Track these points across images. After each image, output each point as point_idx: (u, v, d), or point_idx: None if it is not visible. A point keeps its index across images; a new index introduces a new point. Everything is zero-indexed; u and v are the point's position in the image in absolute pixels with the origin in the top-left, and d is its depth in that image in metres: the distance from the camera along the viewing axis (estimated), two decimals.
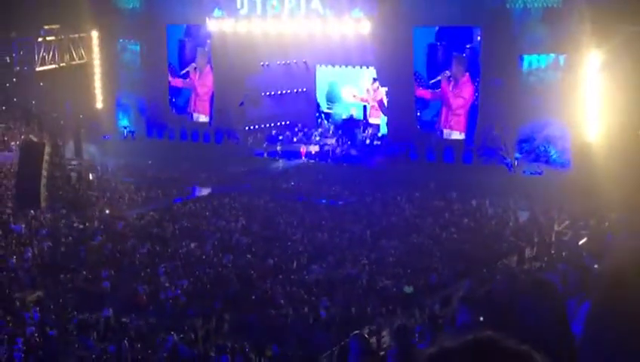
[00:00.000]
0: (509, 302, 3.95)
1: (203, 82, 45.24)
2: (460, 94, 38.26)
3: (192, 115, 45.83)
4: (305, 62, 44.47)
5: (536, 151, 35.84)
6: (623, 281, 1.70)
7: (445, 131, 38.79)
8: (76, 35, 46.05)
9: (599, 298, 1.82)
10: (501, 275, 21.88)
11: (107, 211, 32.75)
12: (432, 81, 38.55)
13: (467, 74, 37.97)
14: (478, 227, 29.58)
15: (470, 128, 38.09)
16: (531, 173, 35.33)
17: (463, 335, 1.57)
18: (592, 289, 4.46)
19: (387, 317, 19.96)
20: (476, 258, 25.45)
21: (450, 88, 38.29)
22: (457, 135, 38.56)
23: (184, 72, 45.45)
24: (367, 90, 43.78)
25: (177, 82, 45.86)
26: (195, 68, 45.23)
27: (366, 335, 7.89)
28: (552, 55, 35.64)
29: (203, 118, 45.57)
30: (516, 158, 36.04)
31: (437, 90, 38.65)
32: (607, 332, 1.69)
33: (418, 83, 39.05)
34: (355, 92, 44.30)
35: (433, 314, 17.21)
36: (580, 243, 24.65)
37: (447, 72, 38.26)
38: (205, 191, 37.00)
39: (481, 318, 6.87)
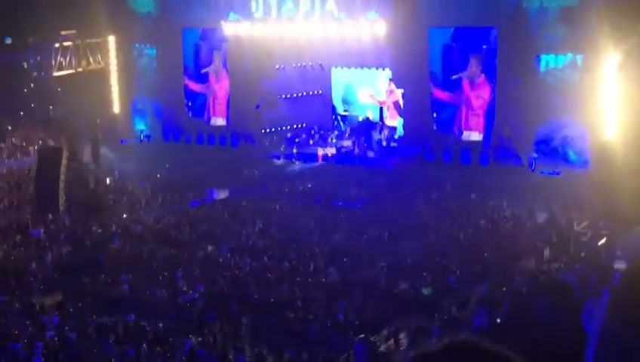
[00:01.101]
0: (526, 304, 3.93)
1: (220, 85, 45.39)
2: (480, 95, 38.13)
3: (209, 119, 45.97)
4: (320, 65, 44.48)
5: (553, 151, 35.68)
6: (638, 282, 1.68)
7: (465, 133, 38.64)
8: (93, 40, 46.33)
9: (617, 296, 1.80)
10: (519, 277, 21.82)
11: (125, 215, 32.87)
12: (454, 76, 38.34)
13: (483, 75, 37.85)
14: (496, 228, 29.46)
15: (488, 129, 37.96)
16: (549, 174, 35.17)
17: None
18: (611, 289, 4.42)
19: (405, 320, 19.90)
20: (494, 259, 25.36)
21: (470, 89, 38.18)
22: (476, 136, 38.41)
23: (204, 71, 45.57)
24: (385, 93, 43.70)
25: (194, 86, 46.00)
26: (213, 71, 45.38)
27: (371, 339, 7.88)
28: (570, 55, 35.45)
29: (220, 122, 45.70)
30: (533, 158, 35.89)
31: (455, 92, 38.55)
32: (624, 329, 1.67)
33: (435, 84, 38.97)
34: (372, 93, 44.22)
35: (451, 316, 17.16)
36: (600, 243, 24.52)
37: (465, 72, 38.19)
38: (222, 195, 37.03)
39: (498, 320, 6.85)
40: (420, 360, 1.48)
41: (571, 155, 35.40)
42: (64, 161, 33.32)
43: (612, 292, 1.88)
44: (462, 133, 38.73)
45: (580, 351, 2.91)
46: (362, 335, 7.71)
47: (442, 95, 39.06)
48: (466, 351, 1.48)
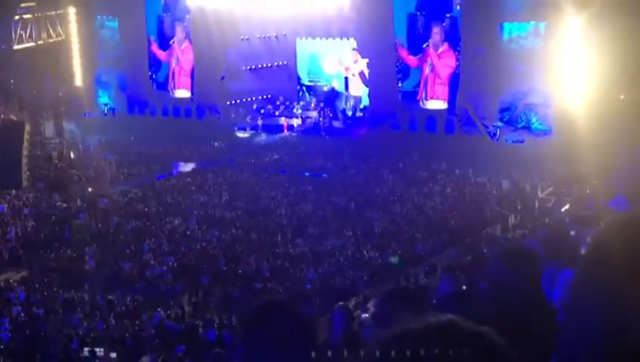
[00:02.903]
0: (489, 271, 3.99)
1: (184, 57, 44.96)
2: (445, 63, 38.21)
3: (173, 90, 45.52)
4: (285, 35, 44.21)
5: (517, 119, 35.92)
6: (607, 252, 1.70)
7: (430, 101, 38.70)
8: (53, 12, 45.55)
9: (582, 268, 1.82)
10: (485, 244, 22.06)
11: (90, 189, 32.61)
12: (425, 45, 38.40)
13: (446, 43, 37.94)
14: (462, 196, 29.72)
15: (452, 97, 38.08)
16: (513, 142, 35.43)
17: (428, 316, 1.57)
18: (571, 256, 4.49)
19: (373, 288, 20.05)
20: (460, 227, 25.63)
21: (435, 57, 38.23)
22: (441, 104, 38.51)
23: (171, 42, 45.13)
24: (350, 62, 43.54)
25: (160, 54, 45.48)
26: (176, 42, 44.91)
27: (350, 307, 7.93)
28: (533, 23, 35.60)
29: (185, 93, 45.29)
30: (497, 127, 36.11)
31: (420, 61, 38.58)
32: (589, 302, 1.69)
33: (400, 53, 38.94)
34: (340, 60, 43.89)
35: (418, 283, 17.32)
36: (563, 209, 24.82)
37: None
38: (189, 167, 36.90)
39: (464, 287, 6.94)
40: (402, 339, 1.50)
41: (535, 123, 35.66)
42: (27, 136, 32.86)
43: (576, 265, 1.91)
44: (427, 101, 38.80)
45: (541, 319, 2.96)
46: (341, 303, 7.73)
47: (408, 62, 39.06)
48: (450, 331, 1.50)
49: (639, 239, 1.65)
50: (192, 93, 44.93)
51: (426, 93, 38.79)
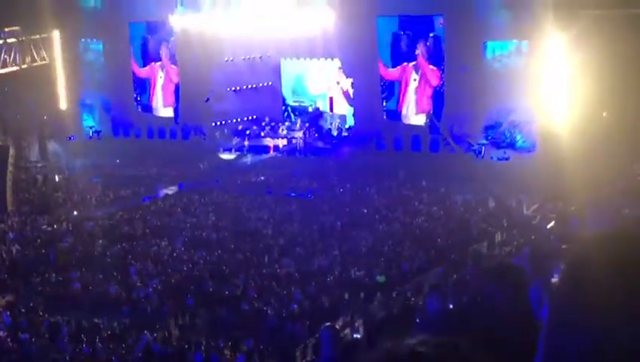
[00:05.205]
0: (476, 289, 4.00)
1: (169, 78, 44.99)
2: (429, 82, 38.40)
3: (155, 110, 45.48)
4: (269, 56, 44.32)
5: (502, 136, 36.11)
6: (584, 268, 1.72)
7: (414, 117, 38.85)
8: (37, 36, 45.48)
9: (559, 284, 1.84)
10: (471, 261, 22.07)
11: (75, 212, 32.47)
12: (411, 64, 38.62)
13: (429, 62, 38.16)
14: (448, 214, 29.79)
15: (436, 115, 38.22)
16: (499, 159, 35.64)
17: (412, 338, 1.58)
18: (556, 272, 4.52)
19: (360, 307, 20.04)
20: (447, 245, 25.67)
21: (419, 76, 38.45)
22: (422, 118, 38.67)
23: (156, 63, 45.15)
24: (334, 82, 43.66)
25: (142, 73, 45.47)
26: (161, 64, 44.94)
27: (337, 327, 7.95)
28: (515, 41, 35.90)
29: (169, 113, 45.25)
30: (482, 145, 36.32)
31: (405, 79, 38.76)
32: (567, 318, 1.71)
33: (384, 71, 39.14)
34: (324, 81, 44.05)
35: (405, 303, 17.32)
36: (548, 226, 24.90)
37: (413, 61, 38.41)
38: (174, 189, 36.83)
39: (451, 306, 6.95)
40: None
41: (519, 140, 35.87)
42: (11, 160, 32.80)
43: (557, 283, 1.93)
44: (410, 118, 38.97)
45: (529, 335, 2.98)
46: (328, 324, 7.71)
47: (391, 78, 39.24)
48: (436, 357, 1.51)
49: (615, 256, 1.67)
50: (177, 115, 44.94)
51: (409, 110, 38.97)
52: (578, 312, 1.68)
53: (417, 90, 38.76)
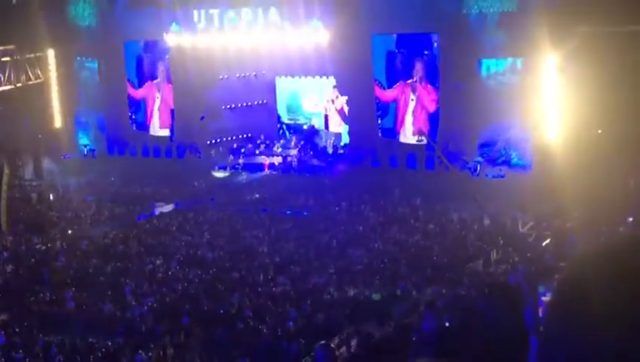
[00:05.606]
0: (472, 307, 3.96)
1: (164, 97, 45.04)
2: (425, 100, 38.45)
3: (151, 128, 45.48)
4: (264, 74, 44.41)
5: (497, 154, 36.16)
6: (576, 285, 1.70)
7: (410, 136, 38.88)
8: (32, 55, 45.53)
9: (553, 301, 1.81)
10: (467, 279, 22.04)
11: (70, 231, 32.37)
12: (409, 81, 38.68)
13: (426, 80, 38.25)
14: (444, 232, 29.75)
15: (432, 134, 38.27)
16: (494, 177, 35.66)
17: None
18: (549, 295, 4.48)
19: (356, 326, 19.95)
20: (443, 263, 25.61)
21: (415, 94, 38.50)
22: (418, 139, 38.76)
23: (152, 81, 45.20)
24: (329, 100, 43.73)
25: (137, 93, 45.53)
26: (156, 83, 45.01)
27: (332, 345, 7.89)
28: (510, 59, 36.01)
29: (164, 132, 45.25)
30: (477, 162, 36.37)
31: (401, 97, 38.80)
32: (559, 335, 1.68)
33: (380, 90, 39.21)
34: (317, 101, 44.25)
35: (401, 322, 17.26)
36: (544, 244, 24.91)
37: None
38: (169, 207, 36.75)
39: (447, 324, 6.91)
40: None
41: (514, 158, 35.91)
42: (5, 179, 32.72)
43: (550, 300, 1.90)
44: (406, 135, 39.00)
45: (524, 353, 2.94)
46: (323, 342, 7.66)
47: (387, 99, 39.31)
48: None
49: (608, 272, 1.65)
50: (172, 133, 44.95)
51: (405, 128, 39.01)
52: (570, 329, 1.66)
53: (414, 111, 38.79)
